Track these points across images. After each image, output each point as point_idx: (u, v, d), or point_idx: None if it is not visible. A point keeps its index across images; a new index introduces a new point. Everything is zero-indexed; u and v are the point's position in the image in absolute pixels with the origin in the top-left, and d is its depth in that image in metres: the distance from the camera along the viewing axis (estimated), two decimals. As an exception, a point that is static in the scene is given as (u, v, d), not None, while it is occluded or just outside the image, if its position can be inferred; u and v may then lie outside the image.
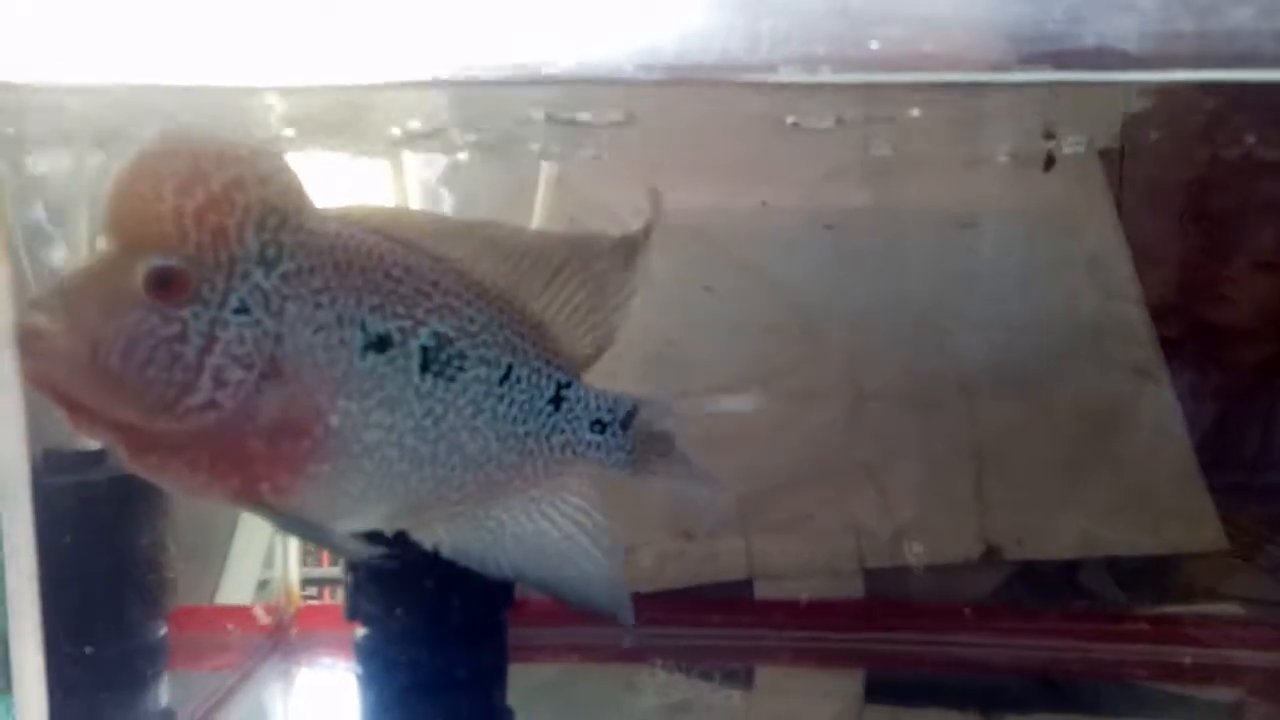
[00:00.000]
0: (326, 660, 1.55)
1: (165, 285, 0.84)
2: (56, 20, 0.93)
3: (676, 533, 1.61)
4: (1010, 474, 1.60)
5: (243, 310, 0.86)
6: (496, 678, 1.37)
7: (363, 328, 0.91)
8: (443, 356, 0.95)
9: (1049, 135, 1.29)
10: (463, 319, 0.96)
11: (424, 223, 1.00)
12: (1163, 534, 1.62)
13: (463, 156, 1.48)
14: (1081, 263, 1.56)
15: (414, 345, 0.93)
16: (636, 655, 1.57)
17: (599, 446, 1.04)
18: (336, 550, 0.99)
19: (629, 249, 1.07)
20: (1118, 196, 1.52)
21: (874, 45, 0.94)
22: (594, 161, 1.46)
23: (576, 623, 1.53)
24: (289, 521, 0.94)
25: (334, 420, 0.90)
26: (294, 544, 1.61)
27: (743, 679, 1.56)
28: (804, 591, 1.60)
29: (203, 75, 0.95)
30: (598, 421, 1.03)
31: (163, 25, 0.93)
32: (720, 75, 1.05)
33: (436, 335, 0.94)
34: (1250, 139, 1.39)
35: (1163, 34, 0.98)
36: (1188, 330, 1.69)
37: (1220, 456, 1.69)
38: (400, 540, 1.29)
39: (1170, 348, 1.61)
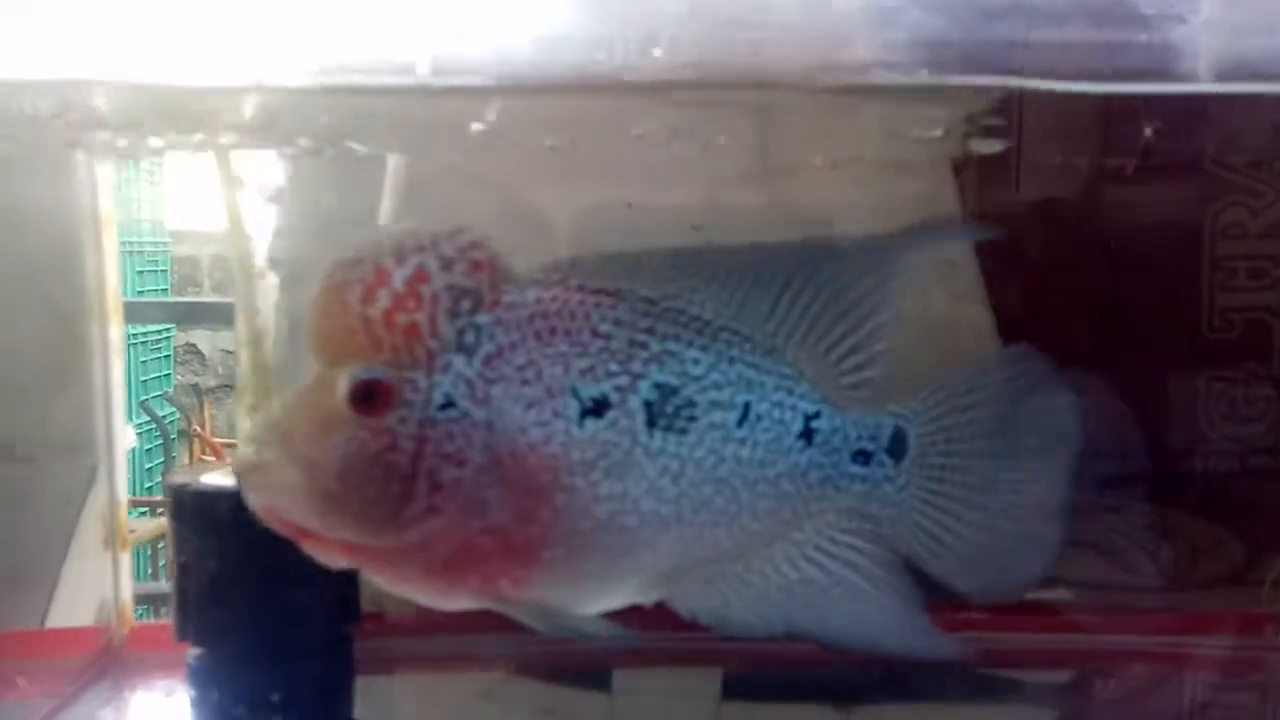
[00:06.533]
0: (162, 684, 1.44)
1: (370, 398, 0.81)
2: None
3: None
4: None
5: (449, 405, 0.83)
6: (341, 694, 1.31)
7: (575, 394, 0.86)
8: (669, 408, 0.88)
9: (968, 135, 1.30)
10: (685, 363, 0.90)
11: (631, 261, 0.94)
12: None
13: (296, 156, 1.41)
14: (931, 265, 1.59)
15: (635, 402, 0.88)
16: (489, 664, 1.53)
17: (863, 480, 0.95)
18: (588, 638, 0.90)
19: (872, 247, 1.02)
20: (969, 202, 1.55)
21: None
22: (451, 164, 1.40)
23: (429, 632, 1.48)
24: (534, 614, 0.88)
25: (559, 500, 0.85)
26: (125, 559, 1.50)
27: (600, 682, 1.55)
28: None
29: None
30: (860, 452, 0.95)
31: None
32: (580, 81, 1.02)
33: (658, 387, 0.88)
34: (1094, 148, 1.45)
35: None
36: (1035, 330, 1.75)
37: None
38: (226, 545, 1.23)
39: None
